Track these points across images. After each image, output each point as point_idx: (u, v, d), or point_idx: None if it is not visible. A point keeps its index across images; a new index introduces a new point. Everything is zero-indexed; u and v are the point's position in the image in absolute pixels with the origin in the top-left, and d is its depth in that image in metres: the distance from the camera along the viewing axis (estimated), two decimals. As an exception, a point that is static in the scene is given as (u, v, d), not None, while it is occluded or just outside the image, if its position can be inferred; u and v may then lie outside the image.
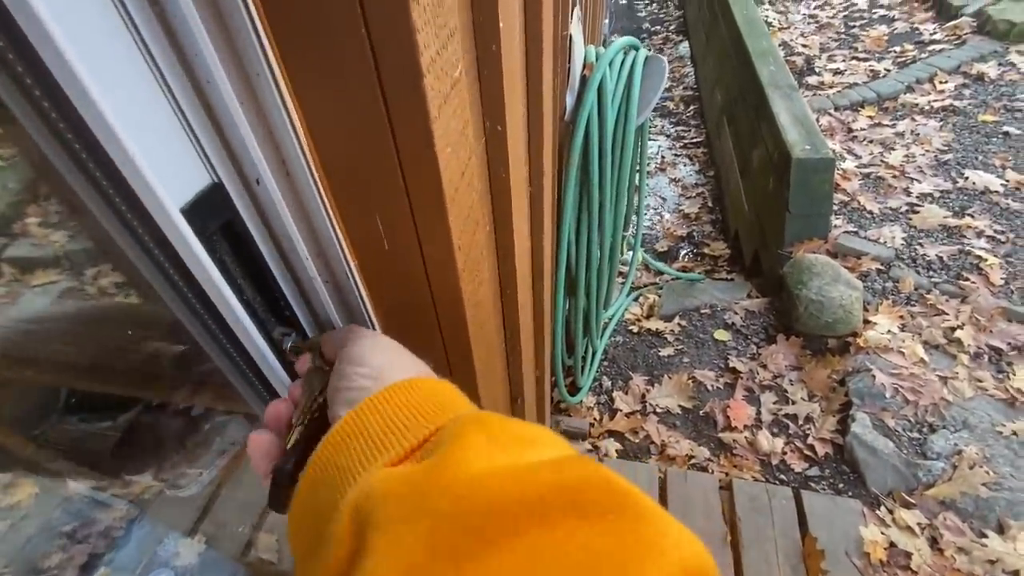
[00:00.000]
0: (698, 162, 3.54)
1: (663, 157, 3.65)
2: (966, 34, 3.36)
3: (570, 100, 1.28)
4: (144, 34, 0.26)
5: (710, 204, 3.12)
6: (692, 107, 4.09)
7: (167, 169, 0.28)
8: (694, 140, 3.75)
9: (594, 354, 2.04)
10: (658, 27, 5.45)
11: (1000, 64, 3.06)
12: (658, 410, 1.89)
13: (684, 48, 4.86)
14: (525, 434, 0.25)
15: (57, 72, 0.22)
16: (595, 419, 1.90)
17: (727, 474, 1.67)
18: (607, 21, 4.62)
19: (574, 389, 1.91)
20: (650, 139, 3.86)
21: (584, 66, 1.31)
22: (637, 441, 1.82)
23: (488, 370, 0.51)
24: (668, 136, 3.90)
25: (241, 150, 0.31)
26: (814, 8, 4.23)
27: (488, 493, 0.21)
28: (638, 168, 1.80)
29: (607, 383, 2.03)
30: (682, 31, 5.21)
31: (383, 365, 0.32)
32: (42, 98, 0.23)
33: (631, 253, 2.30)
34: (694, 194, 3.24)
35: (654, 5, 5.91)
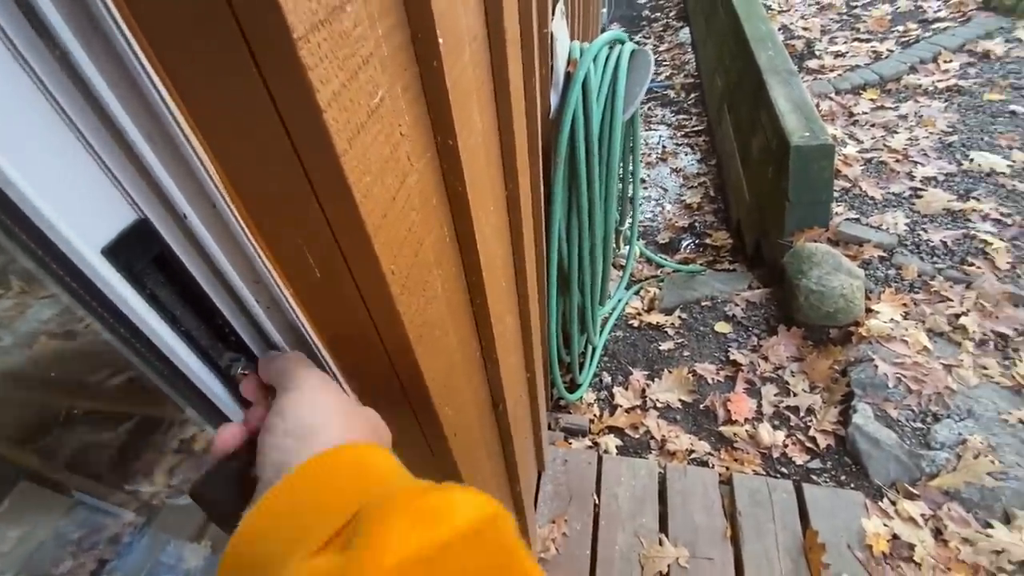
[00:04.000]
0: (700, 151, 3.50)
1: (664, 147, 3.61)
2: (971, 11, 3.27)
3: (555, 99, 1.27)
4: (55, 93, 0.26)
5: (712, 193, 3.09)
6: (693, 95, 4.03)
7: (85, 211, 0.29)
8: (695, 128, 3.70)
9: (593, 350, 2.03)
10: (658, 13, 5.37)
11: (1007, 40, 2.98)
12: (658, 405, 1.89)
13: (685, 34, 4.79)
14: (436, 505, 0.26)
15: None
16: (595, 415, 1.90)
17: (727, 468, 1.66)
18: (605, 10, 4.56)
19: (573, 386, 1.91)
20: (650, 128, 3.82)
21: (568, 63, 1.29)
22: (637, 436, 1.82)
23: (448, 386, 0.51)
24: (669, 125, 3.85)
25: (164, 187, 0.31)
26: (816, -11, 4.15)
27: None
28: (631, 161, 1.78)
29: (607, 379, 2.02)
30: (683, 17, 5.13)
31: (313, 425, 0.32)
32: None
33: (628, 247, 2.28)
34: (696, 184, 3.20)
35: (653, -9, 5.83)
